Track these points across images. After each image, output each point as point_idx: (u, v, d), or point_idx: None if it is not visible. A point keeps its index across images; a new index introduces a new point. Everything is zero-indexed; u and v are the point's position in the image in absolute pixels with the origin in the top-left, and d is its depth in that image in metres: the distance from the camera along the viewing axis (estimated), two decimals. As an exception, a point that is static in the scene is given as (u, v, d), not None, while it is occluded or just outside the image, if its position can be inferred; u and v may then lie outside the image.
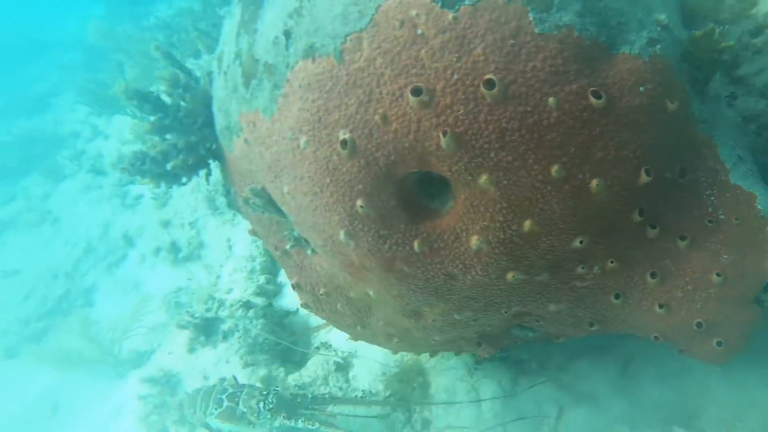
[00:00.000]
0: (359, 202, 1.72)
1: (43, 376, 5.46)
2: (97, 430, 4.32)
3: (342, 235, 1.81)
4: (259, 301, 4.49)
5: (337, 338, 4.08)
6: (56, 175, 8.62)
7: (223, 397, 3.61)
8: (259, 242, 5.28)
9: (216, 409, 3.61)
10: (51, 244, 7.41)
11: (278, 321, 4.33)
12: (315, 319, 4.40)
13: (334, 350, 3.94)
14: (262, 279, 4.86)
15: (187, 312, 4.24)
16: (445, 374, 3.31)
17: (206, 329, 4.17)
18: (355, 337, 2.76)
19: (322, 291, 2.43)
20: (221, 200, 6.10)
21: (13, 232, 8.10)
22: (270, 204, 2.16)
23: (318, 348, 4.01)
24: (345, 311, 2.48)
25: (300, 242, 2.26)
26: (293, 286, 2.61)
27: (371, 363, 3.73)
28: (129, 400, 4.58)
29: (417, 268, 1.86)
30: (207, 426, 3.78)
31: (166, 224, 6.28)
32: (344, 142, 1.64)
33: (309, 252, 2.22)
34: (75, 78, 12.25)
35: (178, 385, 4.00)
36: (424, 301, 2.02)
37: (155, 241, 6.39)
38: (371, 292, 2.03)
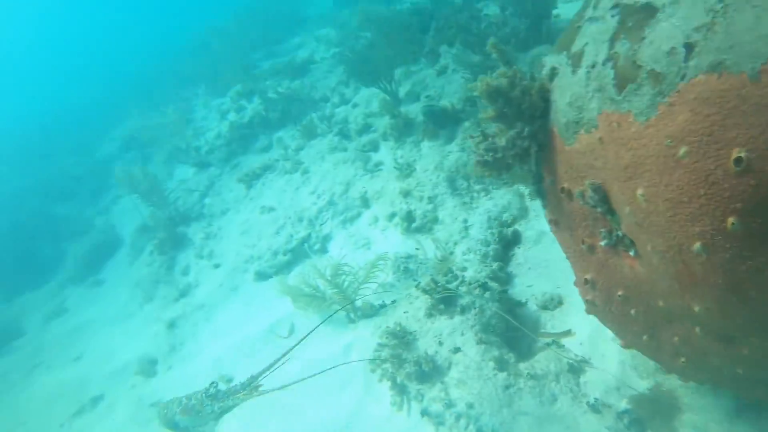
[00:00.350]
0: (731, 219, 1.75)
1: (285, 302, 6.35)
2: (326, 362, 4.88)
3: (698, 246, 1.86)
4: (495, 285, 4.71)
5: (568, 343, 4.12)
6: (309, 133, 9.78)
7: (183, 398, 5.18)
8: (495, 229, 5.48)
9: (178, 408, 5.19)
10: (300, 192, 8.47)
11: (510, 309, 4.50)
12: (545, 318, 4.48)
13: (566, 351, 4.00)
14: (495, 265, 5.07)
15: (432, 279, 4.60)
16: (699, 411, 3.17)
17: (446, 299, 4.49)
18: (630, 345, 2.79)
19: (620, 292, 2.50)
20: (461, 182, 6.43)
21: (271, 175, 9.42)
22: (603, 200, 2.28)
23: (549, 345, 4.09)
24: (637, 318, 2.52)
25: (621, 242, 2.34)
26: (584, 281, 2.72)
27: (605, 375, 3.71)
28: (358, 344, 5.12)
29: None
30: (175, 425, 5.30)
31: (406, 194, 6.79)
32: (738, 160, 1.68)
33: (632, 253, 2.30)
34: (329, 49, 13.81)
35: (414, 343, 4.37)
36: (757, 330, 1.98)
37: (391, 207, 6.95)
38: (697, 308, 2.05)
